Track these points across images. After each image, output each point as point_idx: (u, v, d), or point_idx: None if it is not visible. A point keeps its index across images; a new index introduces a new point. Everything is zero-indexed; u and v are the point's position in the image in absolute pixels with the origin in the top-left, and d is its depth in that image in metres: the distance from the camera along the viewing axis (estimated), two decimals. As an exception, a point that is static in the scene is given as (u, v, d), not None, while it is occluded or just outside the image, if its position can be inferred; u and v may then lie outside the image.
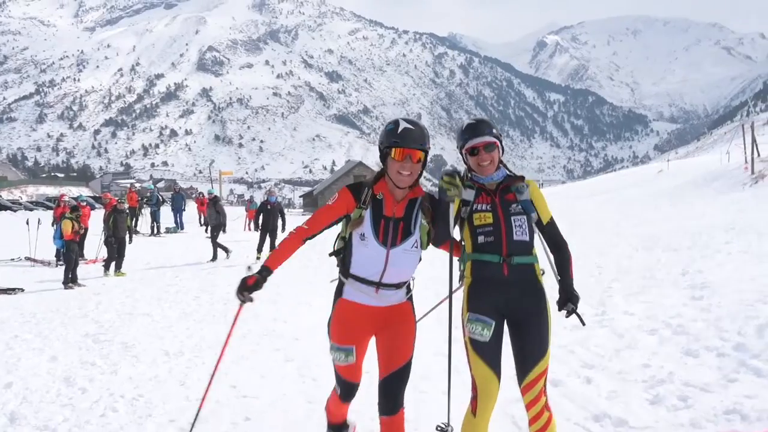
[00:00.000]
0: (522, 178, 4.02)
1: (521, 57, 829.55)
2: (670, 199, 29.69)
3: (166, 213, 32.91)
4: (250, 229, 32.21)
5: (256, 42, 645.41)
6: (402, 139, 3.82)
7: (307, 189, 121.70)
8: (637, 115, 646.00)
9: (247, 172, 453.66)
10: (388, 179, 3.94)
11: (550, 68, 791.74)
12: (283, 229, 18.96)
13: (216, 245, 19.27)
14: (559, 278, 3.94)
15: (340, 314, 4.04)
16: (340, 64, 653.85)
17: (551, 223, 3.98)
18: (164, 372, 7.11)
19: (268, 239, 19.07)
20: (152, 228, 29.91)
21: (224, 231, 19.54)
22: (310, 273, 15.19)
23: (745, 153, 34.39)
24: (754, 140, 33.39)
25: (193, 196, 63.71)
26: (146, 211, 31.47)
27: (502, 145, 4.02)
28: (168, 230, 31.09)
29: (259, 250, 18.90)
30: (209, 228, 19.98)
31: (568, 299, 3.83)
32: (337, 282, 4.14)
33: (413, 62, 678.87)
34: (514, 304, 3.80)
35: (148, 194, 31.74)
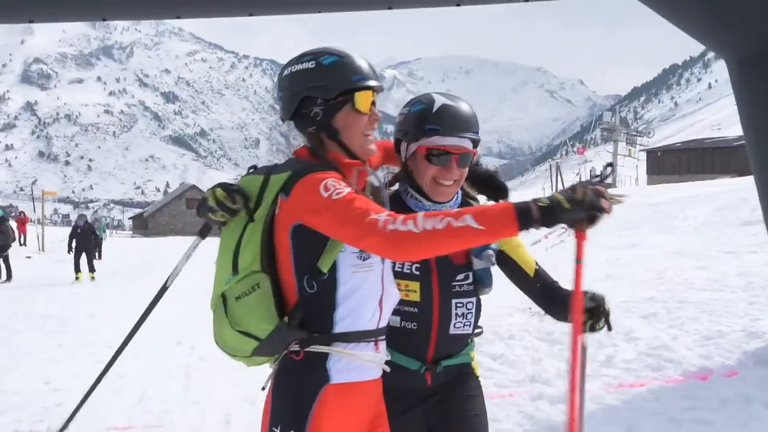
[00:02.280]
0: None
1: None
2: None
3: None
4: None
5: (87, 57, 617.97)
6: (368, 75, 2.35)
7: (138, 210, 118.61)
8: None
9: (73, 191, 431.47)
10: (336, 149, 2.33)
11: (387, 101, 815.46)
12: (97, 249, 20.09)
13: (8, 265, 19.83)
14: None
15: (332, 422, 2.24)
16: (177, 85, 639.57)
17: (539, 270, 2.69)
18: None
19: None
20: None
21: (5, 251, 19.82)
22: (127, 293, 15.99)
23: (546, 190, 38.61)
24: (557, 179, 37.58)
25: (12, 215, 60.82)
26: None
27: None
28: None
29: (76, 270, 19.61)
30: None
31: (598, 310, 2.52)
32: (279, 374, 2.31)
33: (253, 87, 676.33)
34: (436, 411, 2.53)
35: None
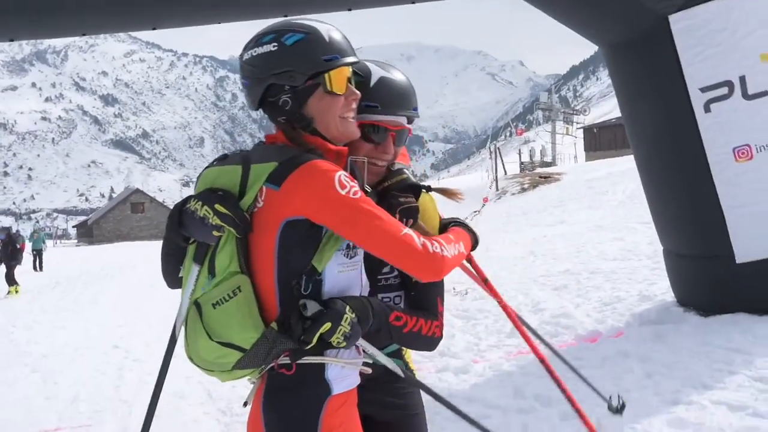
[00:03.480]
0: (416, 193, 2.38)
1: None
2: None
3: None
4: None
5: (20, 63, 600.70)
6: (340, 51, 2.12)
7: (83, 218, 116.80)
8: (414, 136, 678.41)
9: (14, 203, 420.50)
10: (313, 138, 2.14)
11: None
12: (18, 260, 20.16)
13: None
14: None
15: None
16: (116, 87, 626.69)
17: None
18: None
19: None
20: None
21: None
22: (67, 303, 16.09)
23: (490, 173, 39.34)
24: (495, 163, 38.32)
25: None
26: None
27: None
28: None
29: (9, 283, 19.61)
30: None
31: None
32: (263, 388, 2.11)
33: (194, 85, 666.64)
34: (372, 404, 2.36)
35: None
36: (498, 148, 42.97)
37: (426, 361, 6.66)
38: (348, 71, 2.12)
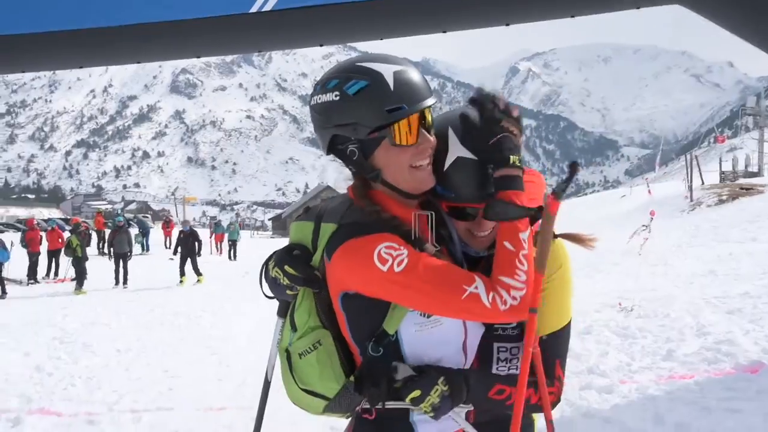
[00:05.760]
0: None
1: (494, 82, 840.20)
2: (612, 222, 31.92)
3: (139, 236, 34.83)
4: (220, 253, 34.69)
5: (229, 65, 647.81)
6: (409, 99, 1.93)
7: (279, 211, 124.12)
8: (608, 140, 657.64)
9: (219, 195, 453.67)
10: (383, 190, 2.04)
11: (522, 94, 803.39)
12: (198, 252, 21.41)
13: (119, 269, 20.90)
14: None
15: None
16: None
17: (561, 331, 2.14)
18: (114, 363, 9.15)
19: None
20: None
21: (129, 257, 21.06)
22: (255, 291, 17.26)
23: (686, 182, 37.08)
24: (691, 171, 36.07)
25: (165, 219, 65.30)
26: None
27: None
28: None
29: (181, 274, 20.81)
30: (119, 253, 21.09)
31: None
32: None
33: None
34: None
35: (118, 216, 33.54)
36: (696, 157, 40.49)
37: (571, 376, 6.56)
38: (418, 119, 1.94)
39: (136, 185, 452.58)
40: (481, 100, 1.99)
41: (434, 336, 1.96)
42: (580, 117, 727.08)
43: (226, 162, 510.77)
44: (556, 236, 2.14)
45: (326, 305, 2.05)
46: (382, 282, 1.86)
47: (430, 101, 1.96)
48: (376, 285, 1.88)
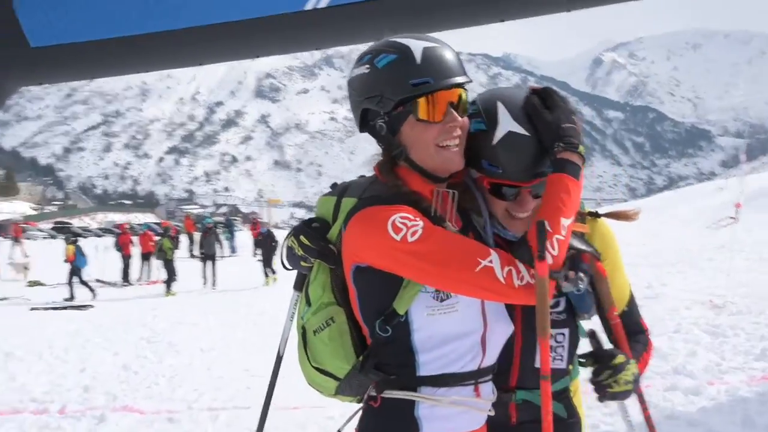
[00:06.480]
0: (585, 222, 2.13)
1: (577, 75, 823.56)
2: (707, 217, 30.40)
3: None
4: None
5: (311, 68, 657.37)
6: (436, 74, 1.88)
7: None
8: (700, 130, 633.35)
9: (306, 196, 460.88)
10: (408, 168, 1.97)
11: (607, 85, 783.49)
12: (275, 252, 21.13)
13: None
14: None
15: None
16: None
17: (629, 310, 2.21)
18: (197, 361, 9.36)
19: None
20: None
21: (213, 260, 21.10)
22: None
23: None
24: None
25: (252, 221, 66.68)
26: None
27: None
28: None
29: (266, 274, 20.91)
30: (208, 255, 21.44)
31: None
32: (363, 419, 2.05)
33: (468, 84, 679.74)
34: None
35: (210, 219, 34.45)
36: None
37: (656, 377, 6.30)
38: (447, 96, 1.88)
39: (226, 189, 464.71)
40: (549, 91, 1.98)
41: (448, 324, 1.88)
42: (669, 107, 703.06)
43: (311, 164, 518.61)
44: (599, 216, 2.15)
45: (341, 282, 2.01)
46: (394, 252, 1.80)
47: (459, 79, 1.91)
48: (387, 255, 1.82)
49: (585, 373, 2.10)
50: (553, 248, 1.78)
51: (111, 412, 6.89)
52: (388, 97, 1.88)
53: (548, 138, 1.91)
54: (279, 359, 2.47)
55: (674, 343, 7.68)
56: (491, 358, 1.98)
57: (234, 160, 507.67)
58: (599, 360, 1.99)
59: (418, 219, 1.83)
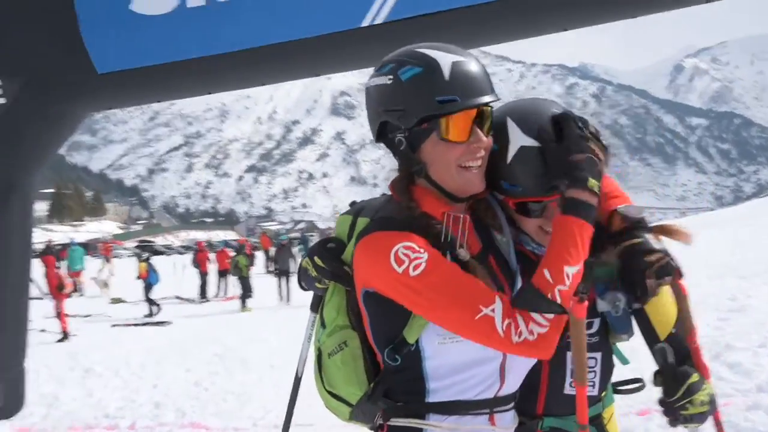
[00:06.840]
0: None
1: (657, 82, 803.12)
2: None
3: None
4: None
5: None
6: (464, 91, 1.78)
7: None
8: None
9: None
10: (426, 187, 1.88)
11: (689, 92, 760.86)
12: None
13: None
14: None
15: None
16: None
17: (675, 334, 2.00)
18: (266, 378, 9.43)
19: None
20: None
21: (288, 276, 20.98)
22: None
23: None
24: None
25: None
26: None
27: None
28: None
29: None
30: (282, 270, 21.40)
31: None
32: None
33: (543, 95, 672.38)
34: None
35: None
36: None
37: (737, 395, 5.97)
38: (473, 115, 1.78)
39: (303, 206, 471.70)
40: (567, 117, 1.85)
41: (462, 352, 1.77)
42: (756, 113, 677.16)
43: (387, 179, 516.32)
44: (648, 230, 1.96)
45: (356, 304, 1.94)
46: (396, 283, 1.74)
47: (488, 98, 1.80)
48: (389, 285, 1.76)
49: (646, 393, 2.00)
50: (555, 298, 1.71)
51: (179, 428, 7.01)
52: (411, 113, 1.78)
53: (555, 174, 1.82)
54: (297, 381, 2.45)
55: (759, 358, 7.27)
56: (511, 386, 1.88)
57: (311, 177, 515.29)
58: (671, 379, 1.87)
59: (422, 250, 1.74)
